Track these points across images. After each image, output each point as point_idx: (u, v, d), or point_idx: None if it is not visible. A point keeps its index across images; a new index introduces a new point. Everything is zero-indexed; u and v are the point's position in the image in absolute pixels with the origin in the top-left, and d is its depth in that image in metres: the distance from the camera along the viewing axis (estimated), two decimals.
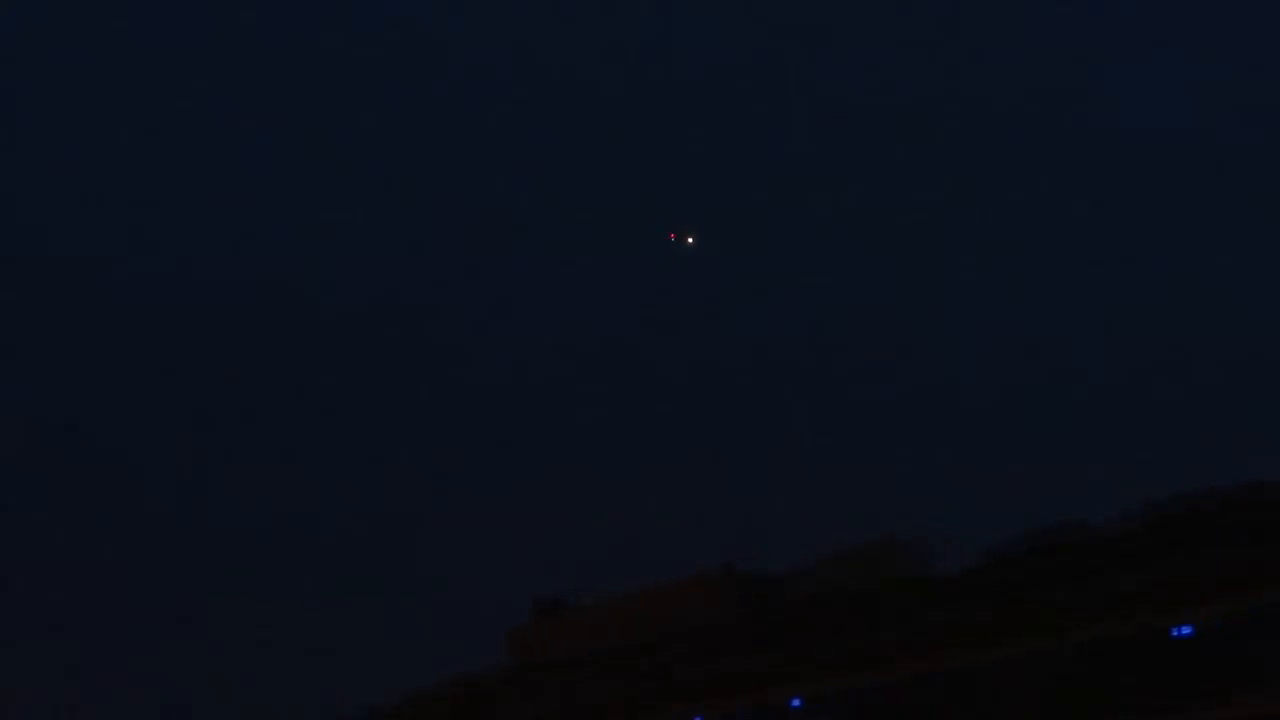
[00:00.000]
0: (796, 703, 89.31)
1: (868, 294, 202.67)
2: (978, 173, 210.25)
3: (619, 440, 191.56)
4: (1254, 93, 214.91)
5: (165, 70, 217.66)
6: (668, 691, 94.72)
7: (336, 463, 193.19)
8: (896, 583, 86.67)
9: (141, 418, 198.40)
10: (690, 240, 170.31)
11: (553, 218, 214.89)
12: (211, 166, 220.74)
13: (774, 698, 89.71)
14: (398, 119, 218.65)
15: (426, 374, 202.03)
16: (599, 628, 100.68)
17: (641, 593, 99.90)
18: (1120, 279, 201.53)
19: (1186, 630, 76.42)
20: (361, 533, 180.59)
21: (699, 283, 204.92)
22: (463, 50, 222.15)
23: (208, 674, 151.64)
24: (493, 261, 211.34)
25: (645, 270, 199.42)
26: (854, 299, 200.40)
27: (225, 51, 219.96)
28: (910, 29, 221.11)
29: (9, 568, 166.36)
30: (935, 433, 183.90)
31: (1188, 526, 76.89)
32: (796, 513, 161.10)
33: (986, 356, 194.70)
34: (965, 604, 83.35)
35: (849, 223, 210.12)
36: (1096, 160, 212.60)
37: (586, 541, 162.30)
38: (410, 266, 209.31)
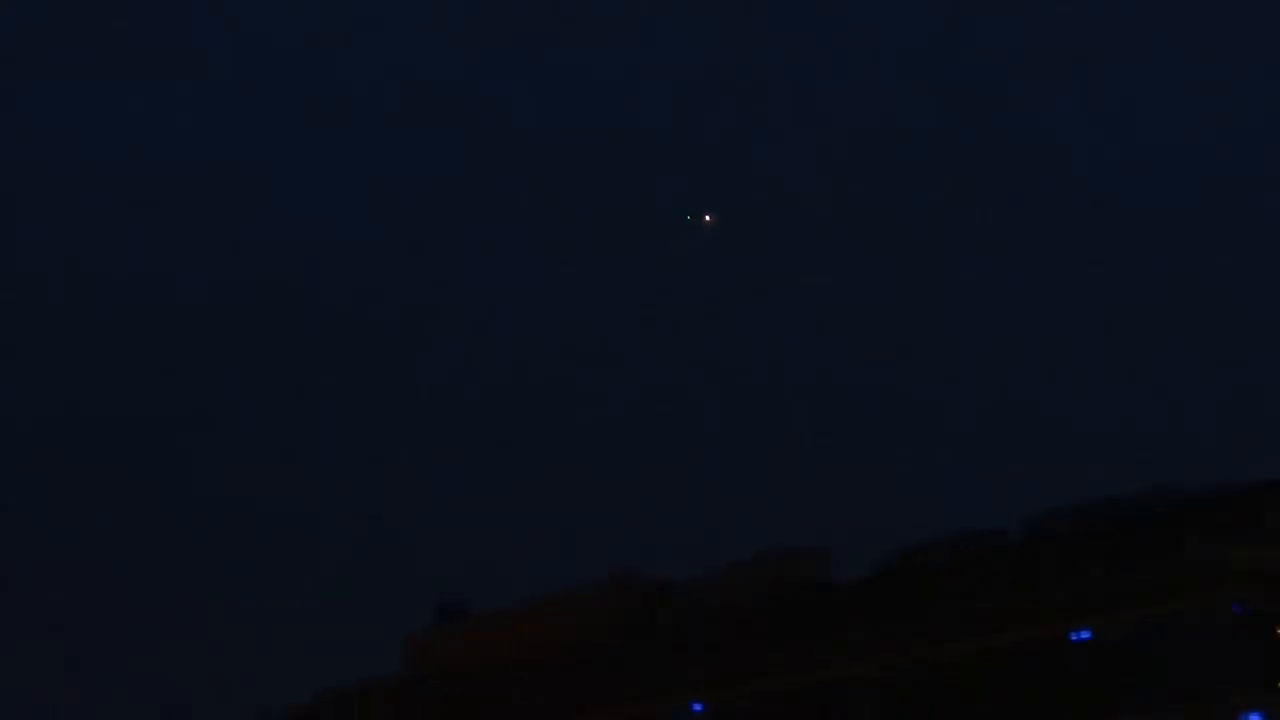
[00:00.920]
0: (698, 707, 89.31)
1: (868, 294, 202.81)
2: (978, 173, 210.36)
3: (614, 439, 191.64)
4: (1254, 93, 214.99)
5: (164, 70, 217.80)
6: (565, 698, 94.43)
7: (335, 463, 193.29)
8: (795, 590, 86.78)
9: (140, 416, 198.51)
10: (708, 219, 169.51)
11: (553, 218, 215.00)
12: (211, 165, 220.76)
13: (674, 703, 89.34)
14: (397, 118, 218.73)
15: (426, 374, 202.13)
16: (499, 634, 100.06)
17: (542, 599, 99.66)
18: (1120, 279, 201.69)
19: (1085, 635, 76.33)
20: (361, 532, 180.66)
21: (699, 283, 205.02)
22: (462, 49, 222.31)
23: (207, 674, 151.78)
24: (493, 261, 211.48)
25: (645, 270, 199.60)
26: (854, 299, 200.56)
27: (226, 50, 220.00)
28: (911, 28, 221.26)
29: (9, 568, 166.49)
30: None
31: (1089, 535, 76.99)
32: (706, 519, 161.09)
33: (987, 356, 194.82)
34: (863, 613, 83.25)
35: (849, 223, 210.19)
36: (1097, 161, 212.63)
37: (497, 545, 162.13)
38: (410, 265, 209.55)
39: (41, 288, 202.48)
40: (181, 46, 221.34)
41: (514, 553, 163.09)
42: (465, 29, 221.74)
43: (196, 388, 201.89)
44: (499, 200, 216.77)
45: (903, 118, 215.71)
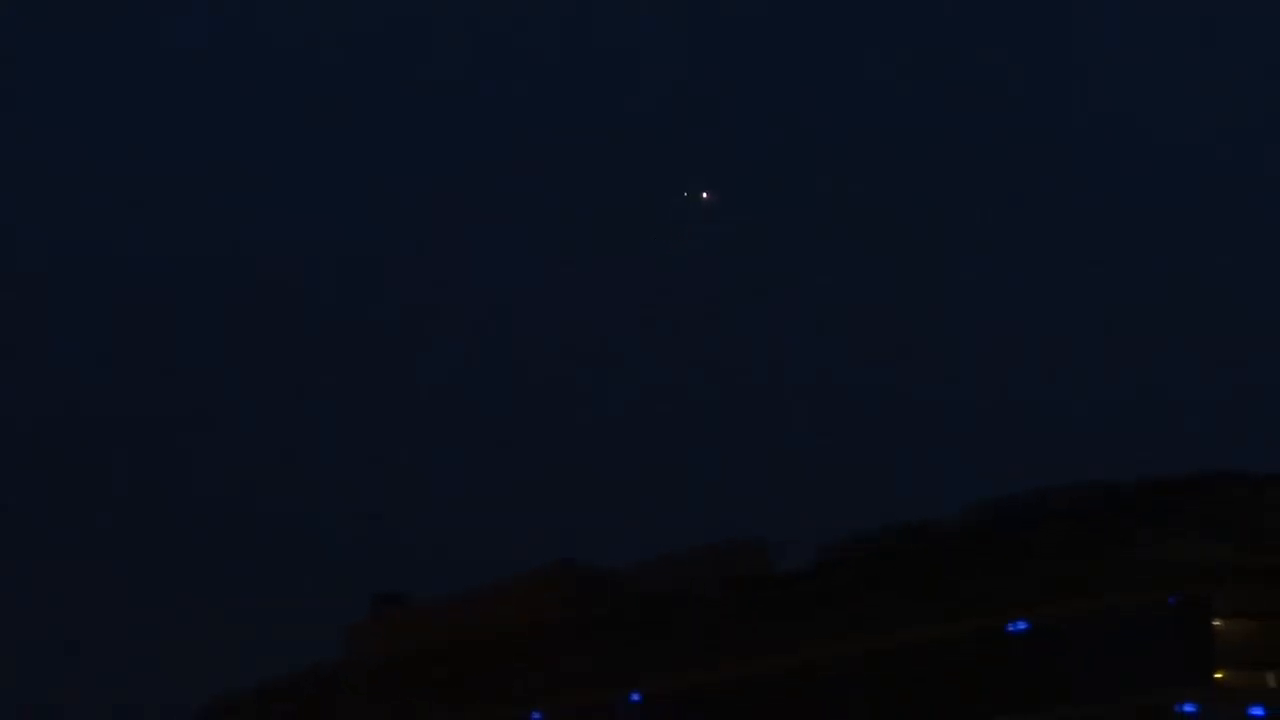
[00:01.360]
0: (636, 698, 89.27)
1: (868, 294, 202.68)
2: (978, 173, 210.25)
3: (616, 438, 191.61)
4: (1254, 93, 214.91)
5: (164, 70, 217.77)
6: (506, 687, 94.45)
7: (335, 463, 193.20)
8: (736, 582, 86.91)
9: (140, 416, 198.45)
10: (705, 195, 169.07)
11: (553, 218, 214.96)
12: (211, 165, 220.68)
13: (612, 693, 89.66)
14: (398, 118, 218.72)
15: (426, 374, 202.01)
16: (440, 624, 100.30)
17: (483, 589, 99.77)
18: (1120, 279, 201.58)
19: (1022, 626, 76.68)
20: (361, 532, 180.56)
21: (699, 283, 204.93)
22: (462, 49, 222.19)
23: (208, 674, 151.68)
24: (493, 261, 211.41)
25: (645, 270, 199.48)
26: (854, 299, 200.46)
27: (226, 50, 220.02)
28: (910, 28, 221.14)
29: (9, 568, 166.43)
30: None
31: (1027, 528, 77.26)
32: (706, 519, 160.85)
33: (987, 356, 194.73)
34: (802, 604, 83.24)
35: (849, 223, 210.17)
36: (1097, 161, 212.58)
37: (497, 545, 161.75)
38: (410, 265, 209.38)
39: (41, 288, 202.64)
40: (181, 46, 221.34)
41: (514, 553, 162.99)
42: (465, 29, 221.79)
43: (196, 388, 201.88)
44: (499, 200, 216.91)
45: (903, 118, 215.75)
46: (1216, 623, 73.18)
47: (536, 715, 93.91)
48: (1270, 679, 74.26)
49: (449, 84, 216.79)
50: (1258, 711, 73.39)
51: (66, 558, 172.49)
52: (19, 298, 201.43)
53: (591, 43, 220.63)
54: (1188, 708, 72.61)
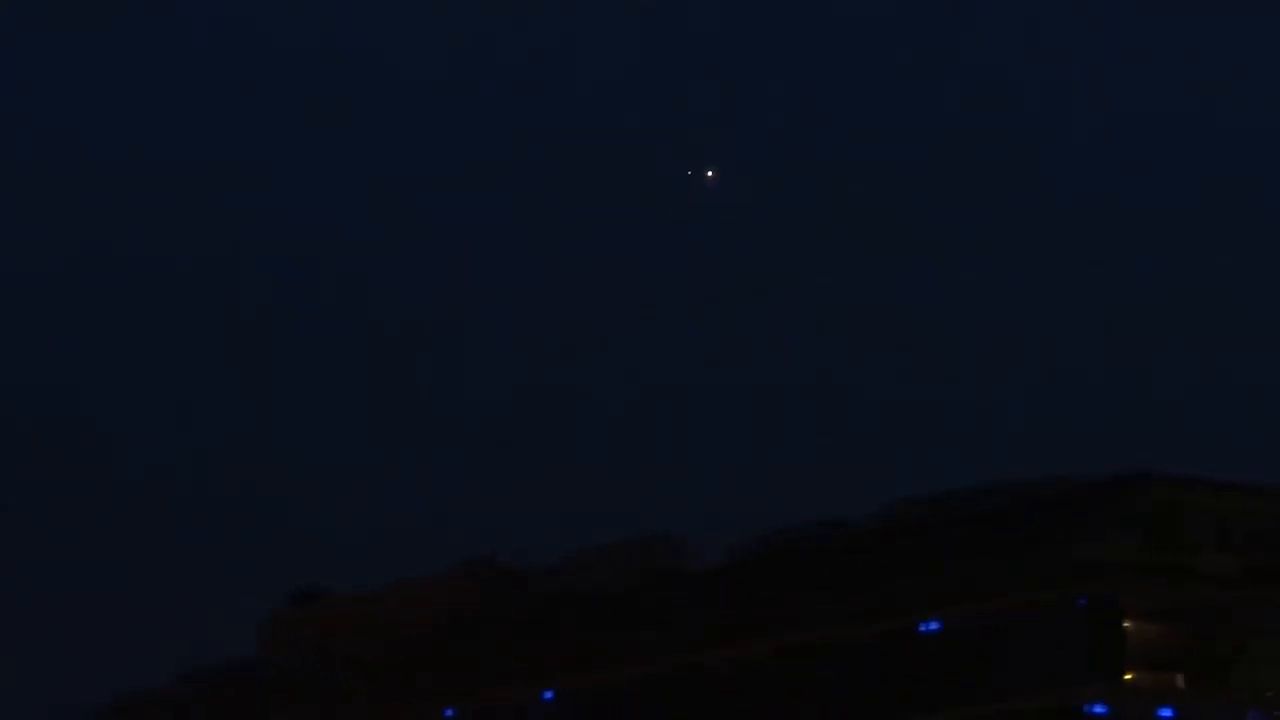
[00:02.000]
0: (548, 695, 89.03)
1: (868, 294, 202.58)
2: (978, 173, 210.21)
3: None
4: (1254, 93, 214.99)
5: (164, 70, 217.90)
6: (418, 684, 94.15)
7: (335, 462, 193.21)
8: (648, 579, 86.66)
9: (140, 417, 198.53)
10: (710, 174, 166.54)
11: (552, 218, 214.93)
12: (211, 165, 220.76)
13: (525, 692, 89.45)
14: (398, 119, 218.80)
15: (426, 374, 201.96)
16: (354, 620, 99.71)
17: (397, 585, 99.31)
18: (1120, 279, 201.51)
19: (934, 626, 76.48)
20: (362, 532, 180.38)
21: (699, 282, 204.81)
22: (462, 50, 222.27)
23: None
24: (493, 260, 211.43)
25: (645, 270, 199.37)
26: (854, 299, 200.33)
27: (227, 51, 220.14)
28: (911, 28, 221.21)
29: (9, 568, 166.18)
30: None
31: (939, 526, 77.06)
32: (705, 519, 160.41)
33: (987, 356, 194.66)
34: (716, 600, 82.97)
35: (849, 223, 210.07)
36: (1097, 160, 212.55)
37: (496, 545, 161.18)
38: (410, 265, 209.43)
39: (41, 288, 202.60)
40: (182, 46, 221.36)
41: (513, 552, 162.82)
42: (465, 30, 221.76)
43: (197, 387, 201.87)
44: (499, 200, 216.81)
45: (902, 118, 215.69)
46: (1126, 624, 73.08)
47: (449, 713, 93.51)
48: (1179, 680, 74.21)
49: (449, 84, 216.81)
50: (1166, 713, 73.53)
51: (66, 557, 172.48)
52: (19, 298, 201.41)
53: (592, 44, 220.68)
54: (1097, 708, 72.49)
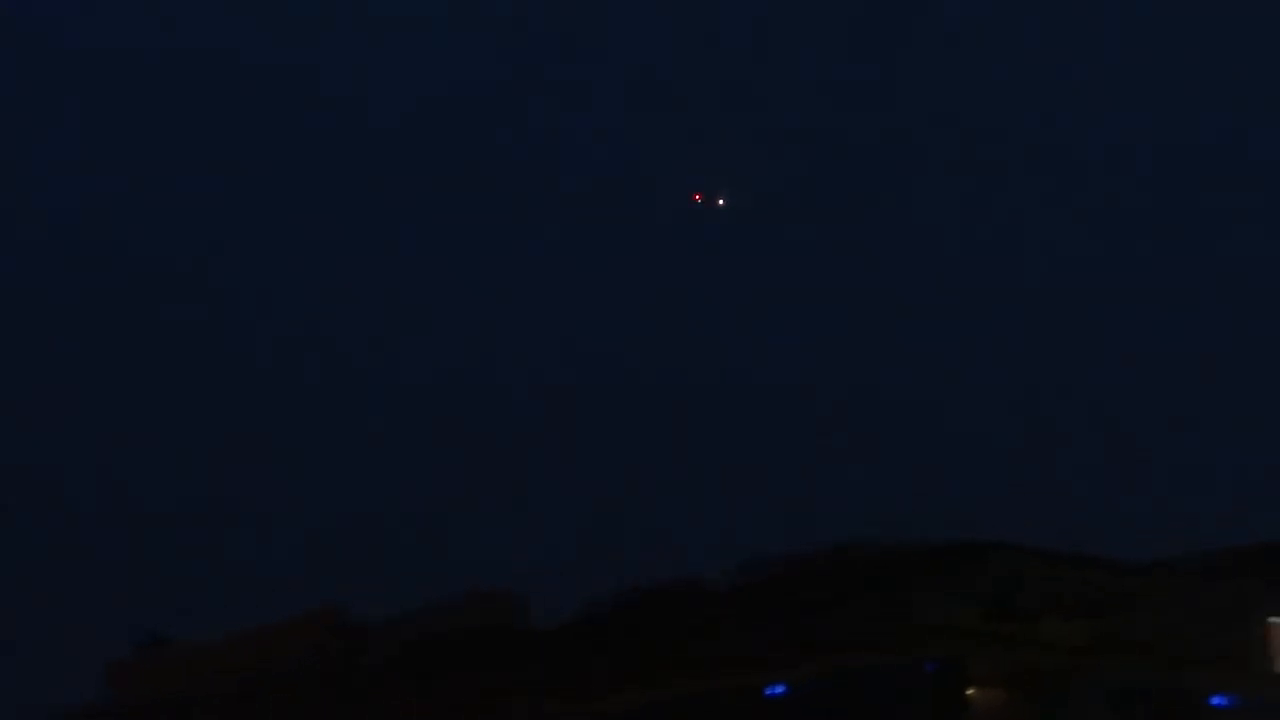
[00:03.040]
0: None
1: (868, 294, 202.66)
2: (977, 173, 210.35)
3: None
4: (1254, 93, 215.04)
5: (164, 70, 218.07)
6: None
7: (335, 462, 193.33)
8: (490, 634, 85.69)
9: (140, 417, 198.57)
10: (721, 202, 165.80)
11: (551, 218, 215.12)
12: (210, 165, 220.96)
13: None
14: (397, 119, 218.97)
15: (426, 374, 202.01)
16: (205, 666, 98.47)
17: (239, 633, 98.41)
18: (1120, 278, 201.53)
19: (780, 689, 75.61)
20: (361, 532, 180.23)
21: (699, 282, 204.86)
22: (462, 52, 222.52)
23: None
24: (492, 260, 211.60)
25: (645, 270, 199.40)
26: (854, 299, 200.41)
27: (226, 50, 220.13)
28: (910, 28, 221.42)
29: (9, 567, 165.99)
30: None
31: (785, 586, 76.43)
32: (706, 520, 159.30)
33: (987, 356, 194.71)
34: (561, 658, 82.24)
35: (849, 222, 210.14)
36: (1096, 160, 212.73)
37: (496, 544, 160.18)
38: (410, 265, 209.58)
39: (41, 288, 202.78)
40: (181, 46, 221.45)
41: (514, 553, 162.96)
42: (465, 35, 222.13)
43: (197, 388, 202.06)
44: (498, 200, 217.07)
45: (903, 118, 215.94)
46: (970, 690, 72.74)
47: None
48: None
49: (448, 83, 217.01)
50: None
51: (66, 557, 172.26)
52: (18, 298, 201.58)
53: (590, 49, 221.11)
54: None
